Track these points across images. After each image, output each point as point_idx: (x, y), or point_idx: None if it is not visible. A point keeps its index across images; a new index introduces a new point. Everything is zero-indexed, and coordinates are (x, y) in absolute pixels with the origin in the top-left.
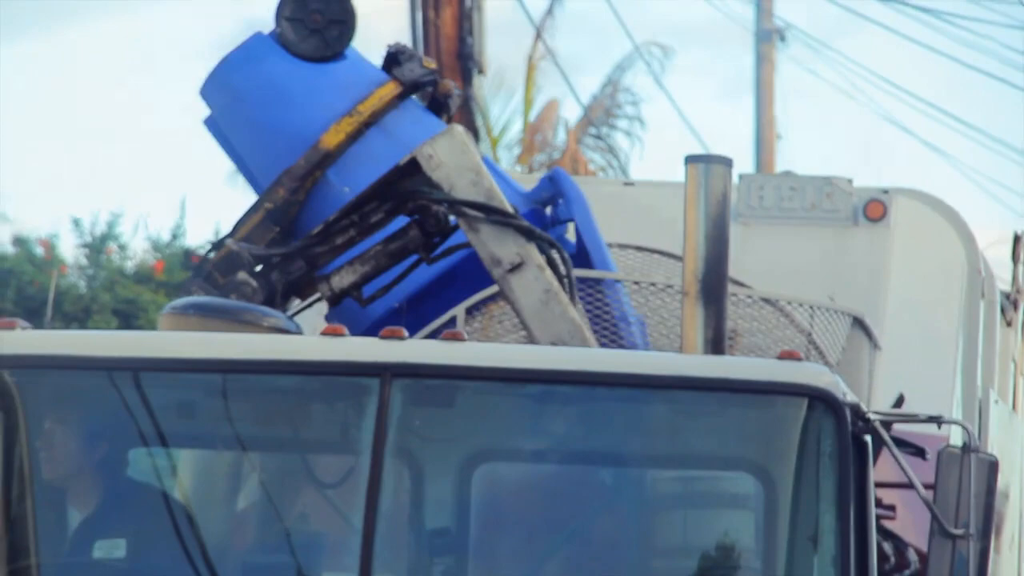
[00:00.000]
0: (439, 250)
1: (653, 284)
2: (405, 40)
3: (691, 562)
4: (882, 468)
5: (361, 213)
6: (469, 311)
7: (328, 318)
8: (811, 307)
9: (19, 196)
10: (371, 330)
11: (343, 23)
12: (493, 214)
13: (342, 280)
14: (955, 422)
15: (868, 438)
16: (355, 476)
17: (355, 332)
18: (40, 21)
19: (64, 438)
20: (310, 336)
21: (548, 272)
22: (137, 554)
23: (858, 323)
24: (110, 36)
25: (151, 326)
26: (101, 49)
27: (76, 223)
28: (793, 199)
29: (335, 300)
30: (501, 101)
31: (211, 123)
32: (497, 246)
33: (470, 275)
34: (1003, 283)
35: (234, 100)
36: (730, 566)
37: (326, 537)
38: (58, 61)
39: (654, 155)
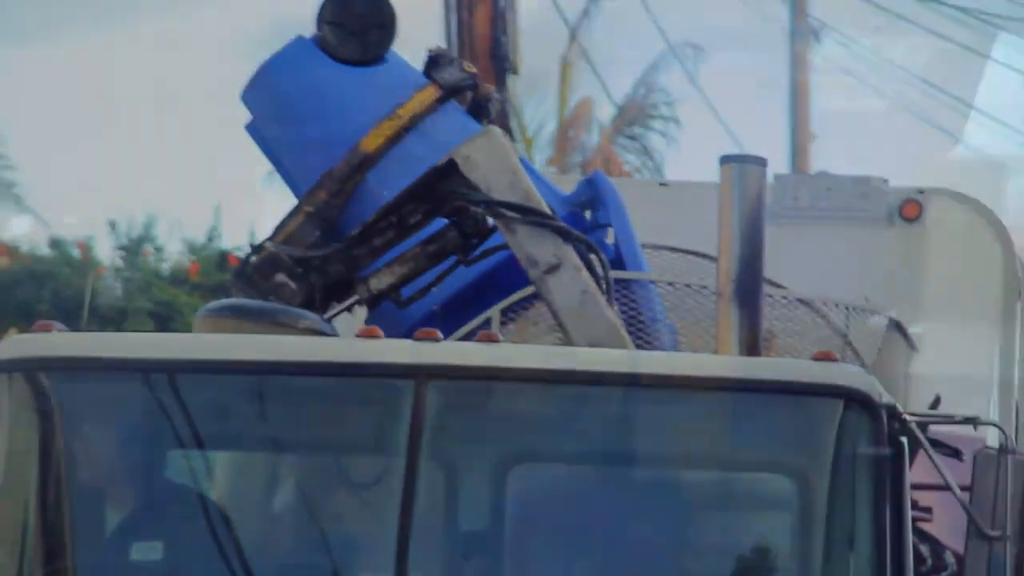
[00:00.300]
0: (477, 252)
1: (688, 285)
2: (438, 41)
3: (726, 564)
4: (918, 470)
5: (399, 215)
6: (505, 313)
7: (369, 321)
8: (847, 308)
9: (56, 199)
10: (410, 332)
11: (383, 27)
12: (530, 215)
13: (380, 282)
14: (991, 423)
15: (904, 439)
16: (389, 478)
17: (394, 334)
18: (72, 24)
19: (100, 440)
20: (345, 338)
21: (585, 273)
22: (173, 556)
23: (894, 324)
24: (146, 40)
25: (187, 328)
26: (138, 52)
27: (112, 226)
28: (828, 199)
29: (373, 302)
30: (535, 101)
31: (252, 128)
32: (534, 247)
33: (509, 277)
34: None
35: (275, 104)
36: (765, 568)
37: (360, 539)
38: (93, 64)
39: (689, 155)
